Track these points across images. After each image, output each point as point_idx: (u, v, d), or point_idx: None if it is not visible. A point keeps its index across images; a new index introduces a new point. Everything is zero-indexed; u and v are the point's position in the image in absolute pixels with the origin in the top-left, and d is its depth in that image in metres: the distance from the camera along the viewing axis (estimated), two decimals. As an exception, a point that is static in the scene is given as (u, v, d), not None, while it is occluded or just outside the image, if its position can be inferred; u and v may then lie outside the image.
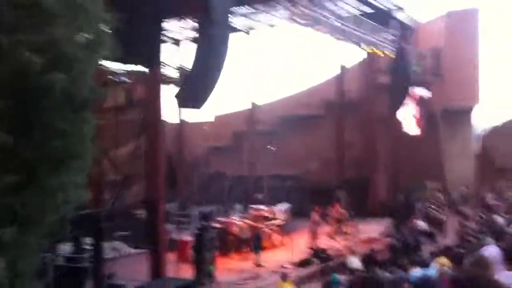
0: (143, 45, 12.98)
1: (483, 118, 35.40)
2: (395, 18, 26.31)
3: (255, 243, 18.83)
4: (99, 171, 16.93)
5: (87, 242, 15.15)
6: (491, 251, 10.37)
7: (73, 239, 14.60)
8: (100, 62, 15.24)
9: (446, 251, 13.43)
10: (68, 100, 6.20)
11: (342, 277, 13.75)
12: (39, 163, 6.04)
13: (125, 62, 15.33)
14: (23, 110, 5.80)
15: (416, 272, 11.23)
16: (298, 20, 18.57)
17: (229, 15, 14.69)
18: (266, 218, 21.39)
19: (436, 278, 9.91)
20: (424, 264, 11.69)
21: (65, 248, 15.11)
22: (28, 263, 6.43)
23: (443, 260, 11.06)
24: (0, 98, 5.49)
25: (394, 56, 26.15)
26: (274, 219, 21.62)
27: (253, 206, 23.12)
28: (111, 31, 6.88)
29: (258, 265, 18.09)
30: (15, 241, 5.82)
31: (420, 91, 29.81)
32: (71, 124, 6.32)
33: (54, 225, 6.76)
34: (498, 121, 34.96)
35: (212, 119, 35.54)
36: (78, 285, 13.86)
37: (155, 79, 16.79)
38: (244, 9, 28.41)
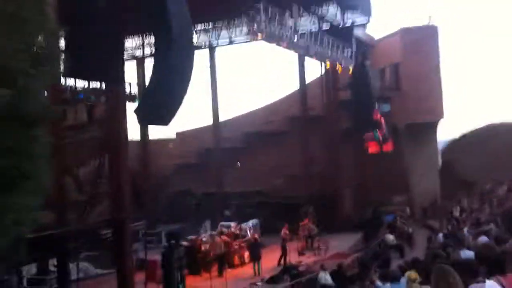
0: (106, 62, 12.72)
1: (450, 132, 36.14)
2: (353, 35, 26.78)
3: (252, 253, 19.40)
4: (61, 190, 16.40)
5: (53, 263, 14.65)
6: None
7: (38, 260, 14.12)
8: (58, 78, 14.88)
9: (414, 265, 13.36)
10: (14, 116, 5.86)
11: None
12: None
13: (87, 79, 14.96)
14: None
15: (386, 287, 11.09)
16: (258, 36, 18.65)
17: (190, 32, 14.65)
18: (236, 235, 21.14)
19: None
20: (394, 278, 11.59)
21: (31, 270, 14.58)
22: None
23: (413, 274, 10.98)
24: None
25: (352, 72, 26.59)
26: (244, 236, 21.38)
27: (222, 223, 22.82)
28: (66, 46, 6.61)
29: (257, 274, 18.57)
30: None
31: (383, 107, 30.23)
32: (19, 142, 5.96)
33: (7, 247, 6.40)
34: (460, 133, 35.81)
35: (173, 135, 35.25)
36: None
37: (118, 96, 16.49)
38: (204, 26, 28.63)
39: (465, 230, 19.01)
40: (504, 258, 9.47)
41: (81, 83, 24.01)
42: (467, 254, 12.13)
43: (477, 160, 32.05)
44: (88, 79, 15.18)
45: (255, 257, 19.33)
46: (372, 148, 30.23)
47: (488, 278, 6.40)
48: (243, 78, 53.38)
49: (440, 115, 32.59)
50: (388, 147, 30.12)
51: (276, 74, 51.84)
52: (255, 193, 29.84)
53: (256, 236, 21.17)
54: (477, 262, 9.86)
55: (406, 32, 32.25)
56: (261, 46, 21.50)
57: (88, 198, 20.59)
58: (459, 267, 10.66)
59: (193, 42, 14.87)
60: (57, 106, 16.63)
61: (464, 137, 35.29)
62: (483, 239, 15.48)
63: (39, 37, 6.43)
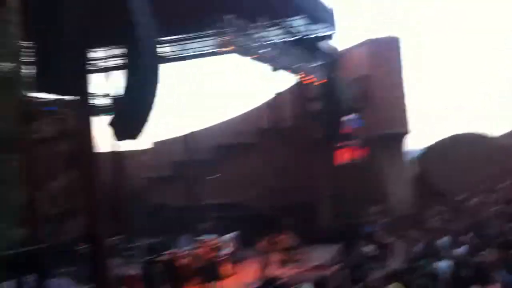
0: (70, 75, 12.46)
1: (419, 142, 36.71)
2: (318, 46, 26.96)
3: (210, 272, 18.74)
4: (34, 206, 15.90)
5: (30, 280, 14.20)
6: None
7: (14, 278, 13.69)
8: (24, 97, 14.40)
9: (396, 276, 13.29)
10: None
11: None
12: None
13: (54, 93, 14.67)
14: None
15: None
16: (225, 48, 18.67)
17: (156, 44, 14.70)
18: (214, 248, 20.77)
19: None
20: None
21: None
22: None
23: (397, 285, 10.92)
24: None
25: (322, 83, 26.75)
26: (222, 248, 21.06)
27: (199, 236, 22.46)
28: (31, 62, 6.31)
29: None
30: None
31: (353, 123, 30.37)
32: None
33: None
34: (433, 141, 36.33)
35: (146, 146, 34.80)
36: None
37: (85, 109, 16.25)
38: (171, 37, 28.39)
39: (442, 240, 19.10)
40: (482, 268, 9.39)
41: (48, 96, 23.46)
42: (444, 264, 12.08)
43: (448, 170, 32.49)
44: (55, 93, 14.89)
45: (212, 277, 18.75)
46: (346, 155, 30.21)
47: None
48: (214, 88, 53.02)
49: (405, 126, 33.01)
50: (362, 154, 30.23)
51: (246, 85, 51.71)
52: (232, 206, 29.55)
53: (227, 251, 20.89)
54: (454, 274, 9.77)
55: (370, 43, 32.51)
56: (231, 57, 21.64)
57: (62, 212, 20.02)
58: (436, 278, 10.61)
59: (158, 54, 14.87)
60: (25, 123, 16.18)
61: (436, 145, 35.80)
62: (460, 250, 15.51)
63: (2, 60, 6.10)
